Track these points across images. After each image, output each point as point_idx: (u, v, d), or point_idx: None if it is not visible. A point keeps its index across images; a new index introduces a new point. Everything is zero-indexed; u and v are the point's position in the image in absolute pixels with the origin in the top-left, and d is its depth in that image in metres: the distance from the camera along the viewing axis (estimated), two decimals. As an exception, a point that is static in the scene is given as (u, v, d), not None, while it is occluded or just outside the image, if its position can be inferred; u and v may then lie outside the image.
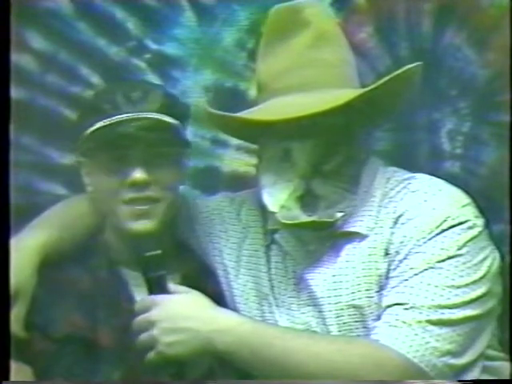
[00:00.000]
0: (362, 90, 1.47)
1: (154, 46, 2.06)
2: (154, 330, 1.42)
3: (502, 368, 1.52)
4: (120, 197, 1.58)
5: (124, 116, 1.56)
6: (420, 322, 1.39)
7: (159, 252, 1.47)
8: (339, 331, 1.49)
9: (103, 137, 1.57)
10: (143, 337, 1.44)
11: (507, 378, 1.52)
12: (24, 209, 1.74)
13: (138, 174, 1.56)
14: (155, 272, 1.46)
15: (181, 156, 1.65)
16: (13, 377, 1.49)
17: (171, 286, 1.47)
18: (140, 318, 1.45)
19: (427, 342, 1.38)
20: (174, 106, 1.63)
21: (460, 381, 1.41)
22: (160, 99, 1.60)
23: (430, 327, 1.39)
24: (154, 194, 1.58)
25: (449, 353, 1.39)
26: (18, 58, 1.98)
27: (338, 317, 1.50)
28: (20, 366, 1.54)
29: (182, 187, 1.70)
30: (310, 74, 1.48)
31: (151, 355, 1.43)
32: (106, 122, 1.57)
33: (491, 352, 1.50)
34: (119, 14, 2.05)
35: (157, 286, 1.46)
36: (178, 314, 1.43)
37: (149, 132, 1.56)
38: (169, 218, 1.61)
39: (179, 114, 1.63)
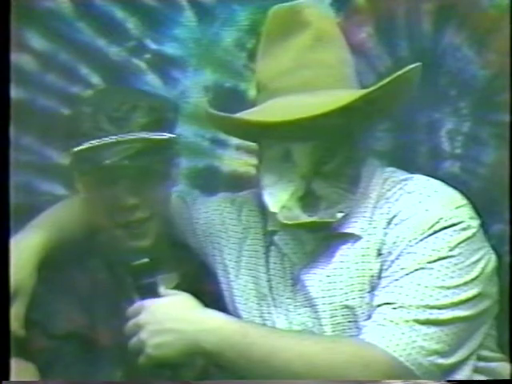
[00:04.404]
0: (362, 92, 1.46)
1: (153, 46, 2.06)
2: (142, 334, 1.43)
3: (500, 369, 1.52)
4: (112, 218, 1.58)
5: (107, 140, 1.54)
6: (407, 321, 1.39)
7: (146, 260, 1.48)
8: (333, 331, 1.50)
9: (88, 160, 1.57)
10: (133, 341, 1.45)
11: (506, 378, 1.52)
12: (24, 209, 1.74)
13: (127, 199, 1.56)
14: (145, 279, 1.48)
15: (169, 167, 1.64)
16: (15, 375, 1.50)
17: (162, 290, 1.48)
18: (130, 323, 1.46)
19: (414, 341, 1.38)
20: (162, 115, 1.61)
21: (449, 381, 1.41)
22: (145, 115, 1.57)
23: (418, 326, 1.39)
24: (144, 215, 1.59)
25: (436, 352, 1.39)
26: (17, 58, 1.97)
27: (332, 317, 1.50)
28: (23, 364, 1.54)
29: (181, 188, 1.71)
30: (310, 75, 1.48)
31: (141, 358, 1.44)
32: (90, 144, 1.56)
33: (487, 353, 1.50)
34: (119, 14, 2.05)
35: (148, 293, 1.47)
36: (164, 317, 1.44)
37: (134, 158, 1.55)
38: (163, 229, 1.62)
39: (169, 121, 1.62)
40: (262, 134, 1.53)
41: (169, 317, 1.43)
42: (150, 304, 1.45)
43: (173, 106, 1.68)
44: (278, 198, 1.50)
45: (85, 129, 1.56)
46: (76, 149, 1.58)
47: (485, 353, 1.48)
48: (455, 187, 1.53)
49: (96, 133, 1.55)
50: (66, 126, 1.65)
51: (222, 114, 1.53)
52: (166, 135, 1.61)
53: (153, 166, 1.58)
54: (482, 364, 1.48)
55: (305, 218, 1.48)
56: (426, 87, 1.89)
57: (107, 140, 1.55)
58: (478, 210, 1.51)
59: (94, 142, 1.55)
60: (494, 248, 1.52)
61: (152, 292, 1.47)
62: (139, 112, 1.57)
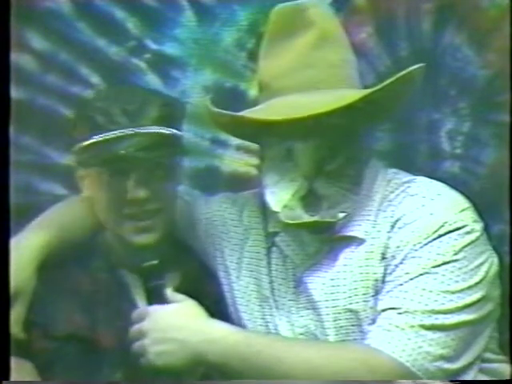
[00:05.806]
0: (366, 91, 1.46)
1: (153, 46, 2.06)
2: (145, 340, 1.44)
3: (501, 369, 1.52)
4: (120, 211, 1.58)
5: (121, 132, 1.55)
6: (413, 326, 1.39)
7: (156, 262, 1.49)
8: (336, 335, 1.49)
9: (100, 152, 1.57)
10: (136, 346, 1.45)
11: (507, 378, 1.52)
12: (24, 209, 1.74)
13: (138, 192, 1.56)
14: (154, 281, 1.49)
15: (178, 163, 1.65)
16: (14, 375, 1.50)
17: (169, 293, 1.49)
18: (133, 328, 1.46)
19: (420, 347, 1.38)
20: (172, 111, 1.62)
21: (452, 381, 1.41)
22: (158, 109, 1.58)
23: (423, 332, 1.39)
24: (153, 208, 1.58)
25: (442, 357, 1.39)
26: (17, 58, 1.98)
27: (335, 320, 1.50)
28: (22, 363, 1.54)
29: (182, 188, 1.71)
30: (313, 75, 1.48)
31: (143, 364, 1.44)
32: (103, 137, 1.56)
33: (490, 355, 1.50)
34: (119, 14, 2.05)
35: (155, 295, 1.48)
36: (168, 325, 1.44)
37: (147, 150, 1.55)
38: (170, 226, 1.62)
39: (177, 118, 1.63)
40: (264, 133, 1.53)
41: (172, 325, 1.44)
42: (155, 311, 1.46)
43: (180, 104, 1.68)
44: (279, 197, 1.50)
45: (98, 122, 1.56)
46: (90, 141, 1.57)
47: (487, 355, 1.48)
48: (456, 188, 1.53)
49: (110, 126, 1.55)
50: (75, 121, 1.65)
51: (224, 112, 1.53)
52: (177, 132, 1.62)
53: (164, 160, 1.59)
54: (484, 365, 1.47)
55: (307, 218, 1.48)
56: (426, 87, 1.89)
57: (122, 132, 1.55)
58: (479, 211, 1.51)
59: (110, 134, 1.56)
60: (494, 248, 1.52)
61: (159, 295, 1.47)
62: (152, 106, 1.58)
